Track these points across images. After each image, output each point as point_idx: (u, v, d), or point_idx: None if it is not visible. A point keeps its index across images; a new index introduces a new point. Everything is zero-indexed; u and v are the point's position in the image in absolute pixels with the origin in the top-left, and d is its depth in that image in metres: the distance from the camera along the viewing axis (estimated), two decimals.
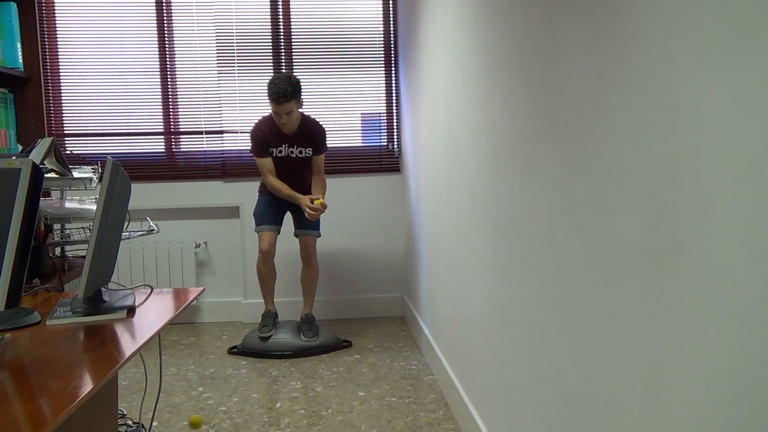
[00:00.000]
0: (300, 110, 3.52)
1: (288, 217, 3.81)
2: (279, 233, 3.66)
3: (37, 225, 2.45)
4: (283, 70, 4.15)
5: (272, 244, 3.58)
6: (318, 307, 4.17)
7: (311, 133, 3.57)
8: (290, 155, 3.56)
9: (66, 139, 4.06)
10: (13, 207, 1.43)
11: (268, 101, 3.40)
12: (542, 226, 1.58)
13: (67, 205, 2.69)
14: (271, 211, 3.62)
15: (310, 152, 3.59)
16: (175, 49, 4.10)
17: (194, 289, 1.93)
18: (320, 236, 3.69)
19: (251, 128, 3.57)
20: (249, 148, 4.21)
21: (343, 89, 4.18)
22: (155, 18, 4.06)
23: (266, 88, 3.40)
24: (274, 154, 3.55)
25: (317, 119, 3.67)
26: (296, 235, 3.66)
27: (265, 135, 3.52)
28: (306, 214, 3.48)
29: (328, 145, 3.74)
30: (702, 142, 0.91)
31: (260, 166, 3.58)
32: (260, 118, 3.59)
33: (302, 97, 3.47)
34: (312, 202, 3.48)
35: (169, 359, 3.50)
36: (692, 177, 0.94)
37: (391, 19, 4.16)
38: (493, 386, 2.08)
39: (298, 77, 3.48)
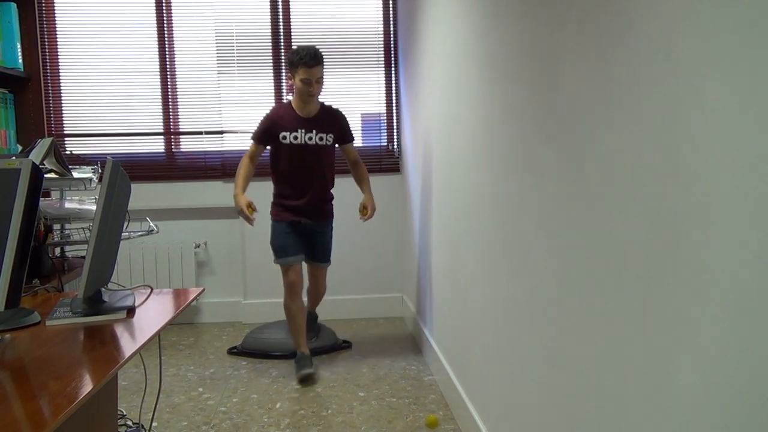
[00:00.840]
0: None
1: None
2: (303, 261, 3.30)
3: (36, 225, 2.45)
4: (284, 70, 4.15)
5: (297, 280, 3.19)
6: (318, 307, 4.17)
7: (333, 116, 3.25)
8: (308, 142, 3.16)
9: (66, 139, 4.06)
10: (12, 207, 1.43)
11: (292, 71, 3.10)
12: (542, 225, 1.58)
13: (67, 205, 2.69)
14: (291, 239, 3.21)
15: (331, 139, 3.22)
16: (175, 49, 4.10)
17: (194, 289, 1.93)
18: (330, 264, 3.46)
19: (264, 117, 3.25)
20: (249, 148, 4.20)
21: (343, 89, 4.18)
22: (155, 18, 4.06)
23: (290, 56, 3.10)
24: (288, 141, 3.15)
25: None
26: (305, 262, 3.37)
27: (279, 117, 3.18)
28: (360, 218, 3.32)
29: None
30: (702, 142, 0.91)
31: (250, 149, 3.26)
32: (272, 109, 3.29)
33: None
34: (361, 211, 3.31)
35: (169, 360, 3.50)
36: (692, 177, 0.94)
37: (391, 19, 4.16)
38: (493, 386, 2.08)
39: None
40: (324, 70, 3.14)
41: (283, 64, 4.14)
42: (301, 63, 3.05)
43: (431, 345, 3.18)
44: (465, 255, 2.43)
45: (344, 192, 4.19)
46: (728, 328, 0.87)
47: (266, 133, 3.21)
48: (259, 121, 3.24)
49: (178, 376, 3.23)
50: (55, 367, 1.27)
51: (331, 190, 3.33)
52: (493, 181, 2.00)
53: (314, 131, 3.17)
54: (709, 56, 0.89)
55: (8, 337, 1.49)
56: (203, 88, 4.13)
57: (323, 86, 3.17)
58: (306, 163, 3.19)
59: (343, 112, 3.31)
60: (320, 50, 3.12)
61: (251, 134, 3.28)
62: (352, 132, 3.34)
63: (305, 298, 3.60)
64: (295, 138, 3.16)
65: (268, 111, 3.25)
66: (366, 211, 3.30)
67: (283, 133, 3.16)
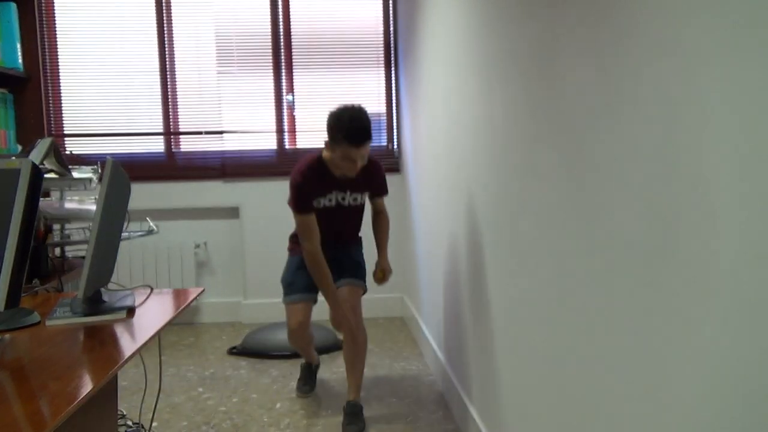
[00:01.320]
0: None
1: None
2: (315, 303, 2.81)
3: (36, 225, 2.45)
4: (283, 72, 4.15)
5: (304, 322, 2.74)
6: (318, 308, 4.16)
7: (370, 173, 2.75)
8: (341, 202, 2.75)
9: (66, 139, 4.06)
10: (12, 207, 1.43)
11: (331, 139, 2.56)
12: (542, 225, 1.58)
13: (67, 205, 2.68)
14: (303, 274, 2.74)
15: (365, 198, 2.82)
16: (174, 49, 4.10)
17: (194, 289, 1.93)
18: (366, 291, 2.86)
19: (292, 176, 2.67)
20: (249, 148, 4.19)
21: (343, 89, 4.18)
22: (155, 18, 4.06)
23: (332, 122, 2.54)
24: (321, 205, 2.71)
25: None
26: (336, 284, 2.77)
27: (312, 183, 2.65)
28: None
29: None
30: (702, 142, 0.91)
31: (302, 225, 2.65)
32: (301, 163, 2.69)
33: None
34: (376, 275, 2.85)
35: (169, 360, 3.50)
36: (692, 177, 0.93)
37: (391, 19, 4.16)
38: (493, 386, 2.08)
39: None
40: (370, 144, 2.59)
41: (283, 64, 4.14)
42: (346, 138, 2.50)
43: (431, 345, 3.18)
44: (465, 255, 2.43)
45: None
46: (728, 328, 0.87)
47: (307, 199, 2.65)
48: (294, 189, 2.65)
49: (178, 376, 3.23)
50: (55, 367, 1.27)
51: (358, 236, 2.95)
52: (493, 181, 2.00)
53: (348, 191, 2.75)
54: (710, 56, 0.89)
55: (8, 338, 1.49)
56: (203, 88, 4.13)
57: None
58: (336, 221, 2.77)
59: (383, 167, 2.86)
60: (370, 127, 2.55)
61: (290, 204, 2.70)
62: (387, 184, 2.88)
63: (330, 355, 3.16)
64: (330, 200, 2.73)
65: (298, 176, 2.65)
66: (382, 275, 2.86)
67: (318, 199, 2.71)
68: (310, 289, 2.76)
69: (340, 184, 2.72)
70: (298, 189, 2.64)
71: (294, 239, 2.86)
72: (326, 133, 2.59)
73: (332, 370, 3.27)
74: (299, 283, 2.76)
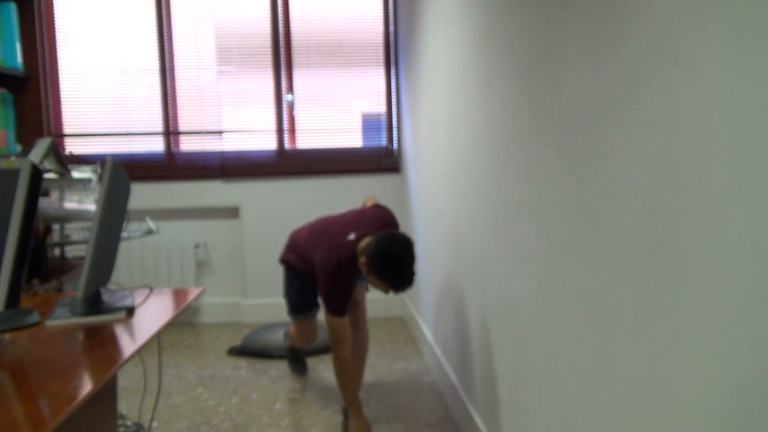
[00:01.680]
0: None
1: None
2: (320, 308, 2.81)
3: (36, 225, 2.45)
4: (283, 72, 4.15)
5: (316, 331, 2.80)
6: None
7: None
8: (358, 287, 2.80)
9: (66, 139, 4.06)
10: (12, 207, 1.43)
11: (372, 269, 2.30)
12: (542, 225, 1.58)
13: (67, 205, 2.68)
14: (309, 296, 2.72)
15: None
16: (174, 48, 4.10)
17: (193, 289, 1.93)
18: (368, 291, 2.89)
19: (329, 268, 2.41)
20: (249, 148, 4.19)
21: (343, 89, 4.18)
22: (155, 18, 4.06)
23: (380, 260, 2.25)
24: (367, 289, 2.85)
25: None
26: None
27: (348, 279, 2.45)
28: None
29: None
30: (702, 142, 0.91)
31: (338, 330, 2.47)
32: (334, 255, 2.43)
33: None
34: None
35: (169, 360, 3.50)
36: (692, 177, 0.93)
37: (391, 19, 4.16)
38: (493, 386, 2.08)
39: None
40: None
41: (283, 64, 4.14)
42: (388, 284, 2.29)
43: (431, 345, 3.18)
44: (465, 255, 2.43)
45: (344, 193, 4.19)
46: (729, 328, 0.87)
47: (345, 300, 2.47)
48: (329, 283, 2.43)
49: (178, 376, 3.23)
50: (55, 368, 1.27)
51: None
52: (494, 181, 2.00)
53: (363, 279, 2.78)
54: (711, 56, 0.89)
55: (8, 338, 1.49)
56: (203, 88, 4.13)
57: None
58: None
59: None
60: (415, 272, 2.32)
61: (331, 309, 2.46)
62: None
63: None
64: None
65: (337, 270, 2.41)
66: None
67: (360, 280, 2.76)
68: (316, 306, 2.77)
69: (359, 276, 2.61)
70: (339, 285, 2.41)
71: (291, 249, 2.69)
72: (366, 255, 2.32)
73: (332, 369, 3.27)
74: (306, 303, 2.72)
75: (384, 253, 2.25)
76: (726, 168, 0.86)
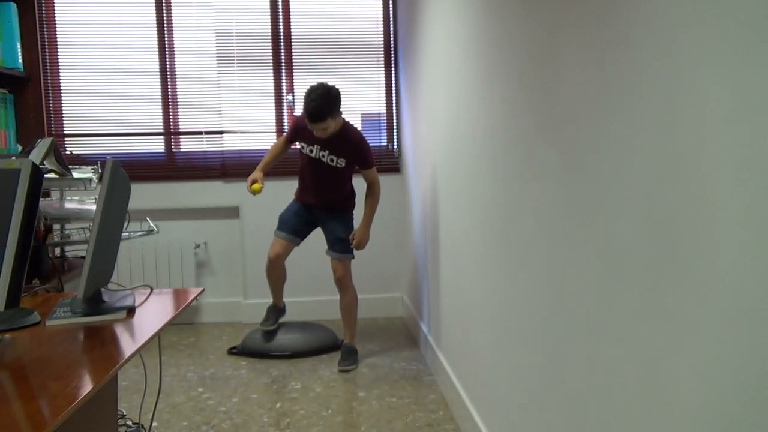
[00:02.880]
0: (343, 117, 3.22)
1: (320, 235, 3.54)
2: (297, 245, 3.41)
3: (36, 225, 2.45)
4: (283, 72, 4.15)
5: (281, 255, 3.35)
6: (318, 308, 4.17)
7: (347, 142, 3.21)
8: (321, 159, 3.24)
9: (66, 139, 4.06)
10: (12, 207, 1.43)
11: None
12: (542, 225, 1.58)
13: (67, 205, 2.68)
14: (297, 220, 3.37)
15: (343, 163, 3.23)
16: (175, 48, 4.10)
17: (194, 289, 1.93)
18: (353, 258, 3.39)
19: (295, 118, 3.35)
20: (249, 148, 4.22)
21: (343, 89, 4.17)
22: (155, 18, 4.06)
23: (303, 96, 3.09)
24: (305, 151, 3.28)
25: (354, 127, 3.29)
26: (327, 254, 3.40)
27: (302, 128, 3.23)
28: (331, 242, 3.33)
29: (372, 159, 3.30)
30: (702, 142, 0.91)
31: (280, 140, 3.40)
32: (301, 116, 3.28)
33: (341, 107, 3.12)
34: (351, 240, 3.31)
35: (169, 360, 3.50)
36: (692, 177, 0.94)
37: (391, 19, 4.16)
38: (493, 386, 2.08)
39: (338, 88, 3.11)
40: (333, 118, 3.07)
41: (283, 64, 4.14)
42: (305, 115, 3.06)
43: (431, 345, 3.18)
44: (465, 255, 2.43)
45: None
46: (728, 328, 0.87)
47: (292, 136, 3.33)
48: (290, 123, 3.35)
49: (178, 376, 3.23)
50: (55, 367, 1.27)
51: (348, 196, 3.39)
52: (493, 182, 2.00)
53: (327, 151, 3.23)
54: (710, 57, 0.89)
55: (8, 338, 1.49)
56: (203, 88, 4.13)
57: (335, 126, 3.13)
58: (321, 174, 3.28)
59: (361, 135, 3.25)
60: (334, 95, 3.05)
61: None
62: (370, 157, 3.26)
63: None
64: (311, 151, 3.26)
65: (298, 117, 3.30)
66: (355, 241, 3.31)
67: (302, 144, 3.29)
68: (296, 233, 3.38)
69: (322, 142, 3.21)
70: (292, 122, 3.33)
71: (299, 189, 3.41)
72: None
73: (332, 369, 3.27)
74: (291, 224, 3.36)
75: (306, 91, 3.07)
76: (726, 168, 0.86)
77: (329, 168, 3.26)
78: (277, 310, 3.56)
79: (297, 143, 3.35)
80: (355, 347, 3.38)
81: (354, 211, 3.45)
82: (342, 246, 3.32)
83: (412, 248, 3.85)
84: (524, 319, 1.74)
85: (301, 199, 3.40)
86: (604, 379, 1.26)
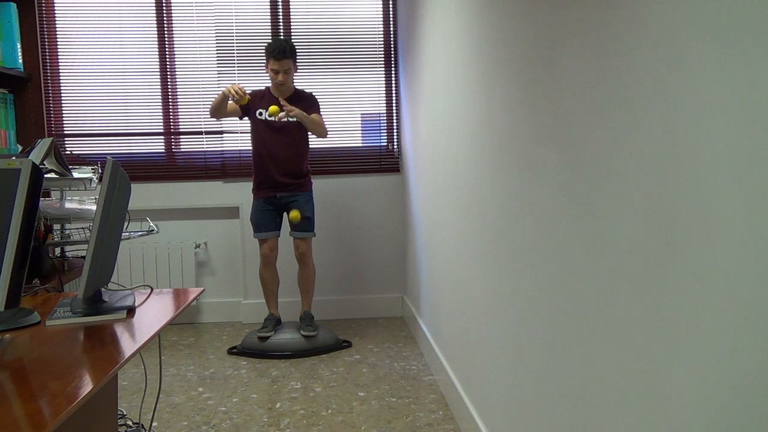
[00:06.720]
0: (293, 84, 3.63)
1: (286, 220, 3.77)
2: (279, 236, 3.68)
3: (36, 225, 2.44)
4: None
5: (273, 249, 3.64)
6: (318, 307, 4.17)
7: (303, 98, 3.62)
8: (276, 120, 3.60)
9: (66, 139, 4.06)
10: (13, 207, 1.43)
11: (266, 63, 3.52)
12: (542, 225, 1.58)
13: (67, 205, 2.68)
14: (267, 215, 3.63)
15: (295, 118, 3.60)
16: (174, 48, 4.10)
17: (194, 289, 1.93)
18: (315, 236, 3.72)
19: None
20: (249, 148, 4.23)
21: (343, 89, 4.18)
22: (155, 18, 4.06)
23: (265, 48, 3.50)
24: (263, 117, 3.56)
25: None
26: (291, 236, 3.70)
27: (260, 97, 3.59)
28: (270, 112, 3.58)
29: (327, 136, 3.76)
30: (702, 141, 0.91)
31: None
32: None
33: (297, 64, 3.60)
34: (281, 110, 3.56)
35: (169, 359, 3.50)
36: (692, 177, 0.94)
37: (391, 18, 4.16)
38: (493, 386, 2.08)
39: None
40: (294, 63, 3.52)
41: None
42: (270, 55, 3.48)
43: (431, 345, 3.18)
44: (465, 255, 2.43)
45: (344, 193, 4.20)
46: (728, 328, 0.87)
47: (248, 103, 3.63)
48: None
49: (178, 376, 3.23)
50: (55, 367, 1.27)
51: (304, 168, 3.66)
52: (493, 181, 2.00)
53: (284, 112, 3.55)
54: (710, 57, 0.89)
55: (8, 337, 1.49)
56: (203, 88, 4.13)
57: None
58: (278, 137, 3.57)
59: (316, 97, 3.69)
60: (292, 44, 3.51)
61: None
62: (320, 111, 3.67)
63: (300, 298, 3.72)
64: (270, 115, 3.55)
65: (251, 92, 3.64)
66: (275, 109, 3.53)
67: (260, 110, 3.57)
68: (273, 227, 3.64)
69: (278, 102, 3.54)
70: (249, 93, 3.62)
71: (254, 185, 3.66)
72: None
73: (332, 369, 3.27)
74: (265, 223, 3.62)
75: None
76: (726, 168, 0.86)
77: (285, 131, 3.56)
78: (275, 320, 3.67)
79: (252, 120, 3.61)
80: (312, 314, 3.70)
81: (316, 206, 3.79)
82: (305, 224, 3.61)
83: (412, 248, 3.85)
84: (524, 318, 1.74)
85: (262, 189, 3.61)
86: (603, 378, 1.26)
